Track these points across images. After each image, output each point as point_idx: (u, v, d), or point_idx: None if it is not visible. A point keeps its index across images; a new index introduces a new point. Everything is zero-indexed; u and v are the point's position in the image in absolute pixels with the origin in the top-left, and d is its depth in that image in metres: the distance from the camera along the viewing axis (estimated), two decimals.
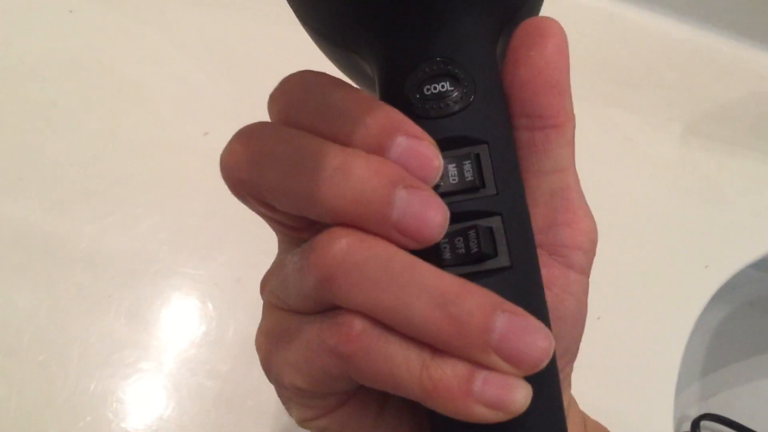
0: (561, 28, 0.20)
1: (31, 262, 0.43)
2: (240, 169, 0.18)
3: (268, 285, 0.21)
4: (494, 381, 0.17)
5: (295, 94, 0.19)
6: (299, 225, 0.20)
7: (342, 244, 0.17)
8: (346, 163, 0.17)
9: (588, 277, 0.22)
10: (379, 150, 0.18)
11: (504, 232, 0.19)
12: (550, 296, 0.21)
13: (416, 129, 0.18)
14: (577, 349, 0.23)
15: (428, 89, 0.19)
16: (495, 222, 0.19)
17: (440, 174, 0.18)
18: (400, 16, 0.19)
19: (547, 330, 0.17)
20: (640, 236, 0.50)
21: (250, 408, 0.41)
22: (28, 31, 0.53)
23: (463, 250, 0.18)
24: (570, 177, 0.21)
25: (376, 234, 0.17)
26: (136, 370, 0.41)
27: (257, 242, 0.47)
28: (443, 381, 0.17)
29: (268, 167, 0.18)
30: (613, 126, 0.55)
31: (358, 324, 0.17)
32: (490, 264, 0.18)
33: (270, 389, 0.41)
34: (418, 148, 0.18)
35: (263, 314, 0.21)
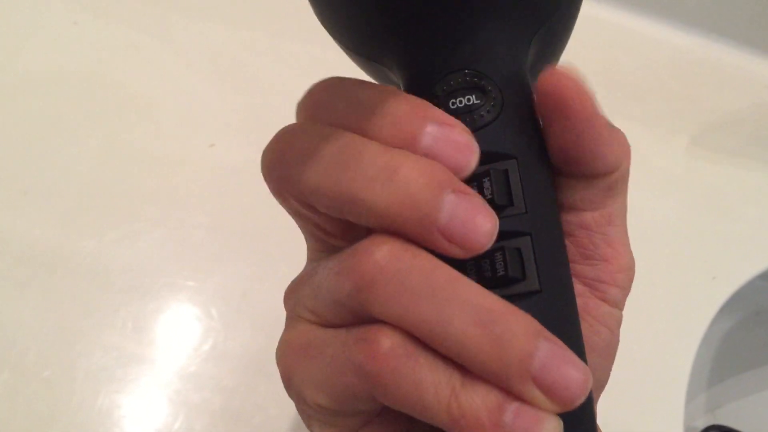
0: (578, 80, 0.18)
1: (36, 276, 0.43)
2: (283, 167, 0.18)
3: (294, 295, 0.20)
4: (526, 414, 0.16)
5: (322, 97, 0.19)
6: (337, 230, 0.19)
7: (384, 250, 0.16)
8: (392, 164, 0.16)
9: (621, 310, 0.21)
10: (411, 140, 0.17)
11: (533, 254, 0.18)
12: (583, 326, 0.20)
13: (446, 116, 0.18)
14: (607, 379, 0.22)
15: (454, 103, 0.19)
16: (524, 243, 0.18)
17: (477, 160, 0.17)
18: (424, 28, 0.19)
19: (585, 366, 0.16)
20: (647, 248, 0.50)
21: (257, 424, 0.40)
22: (32, 43, 0.53)
23: (489, 273, 0.18)
24: (615, 212, 0.20)
25: (419, 239, 0.17)
26: (143, 385, 0.40)
27: (263, 255, 0.47)
28: (472, 410, 0.16)
29: (312, 165, 0.17)
30: None
31: (386, 342, 0.16)
32: (518, 288, 0.18)
33: (277, 405, 0.41)
34: (451, 134, 0.17)
35: (286, 326, 0.20)
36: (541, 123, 0.19)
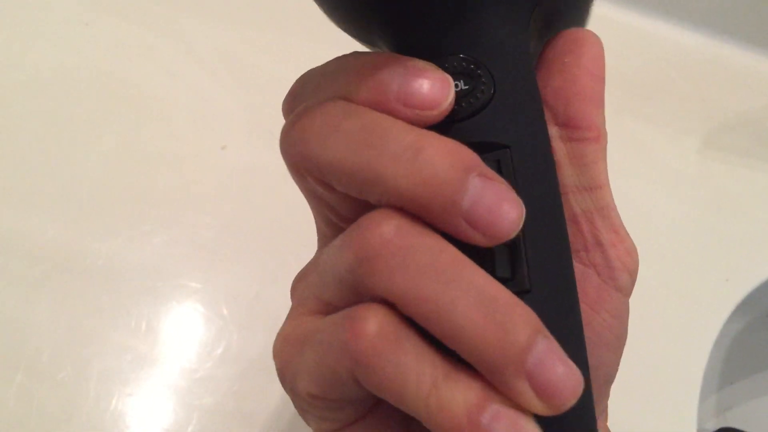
0: (598, 40, 0.20)
1: (49, 278, 0.43)
2: (303, 143, 0.18)
3: (300, 283, 0.20)
4: (505, 417, 0.15)
5: (297, 83, 0.20)
6: (352, 213, 0.19)
7: (391, 224, 0.16)
8: (418, 142, 0.16)
9: (629, 298, 0.21)
10: (381, 91, 0.17)
11: (524, 251, 0.17)
12: (598, 321, 0.20)
13: (411, 60, 0.17)
14: (616, 373, 0.22)
15: None
16: (514, 239, 0.17)
17: (452, 93, 0.17)
18: (407, 9, 0.18)
19: (579, 371, 0.16)
20: (659, 250, 0.50)
21: (270, 427, 0.40)
22: (43, 44, 0.53)
23: None
24: (609, 195, 0.20)
25: (440, 223, 0.16)
26: (156, 387, 0.40)
27: (276, 257, 0.46)
28: (450, 406, 0.16)
29: (334, 141, 0.17)
30: (630, 138, 0.55)
31: (374, 321, 0.16)
32: (507, 288, 0.17)
33: (291, 408, 0.41)
34: (418, 74, 0.17)
35: (286, 319, 0.20)
36: (547, 71, 0.20)
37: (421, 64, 0.17)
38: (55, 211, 0.45)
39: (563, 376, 0.15)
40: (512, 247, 0.17)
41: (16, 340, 0.40)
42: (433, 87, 0.17)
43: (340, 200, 0.19)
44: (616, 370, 0.22)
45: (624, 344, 0.21)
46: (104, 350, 0.41)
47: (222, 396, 0.41)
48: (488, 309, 0.15)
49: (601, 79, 0.20)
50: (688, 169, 0.54)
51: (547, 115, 0.19)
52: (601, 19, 0.66)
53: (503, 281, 0.17)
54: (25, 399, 0.39)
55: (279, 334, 0.20)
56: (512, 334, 0.15)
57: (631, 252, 0.21)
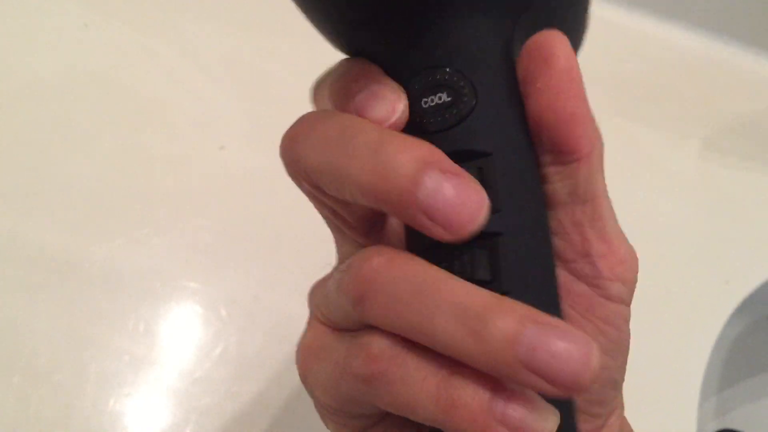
0: (566, 47, 0.18)
1: (47, 281, 0.43)
2: (293, 149, 0.19)
3: (315, 294, 0.21)
4: (518, 399, 0.16)
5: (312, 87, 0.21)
6: (354, 220, 0.20)
7: (373, 263, 0.17)
8: (379, 139, 0.17)
9: (629, 306, 0.21)
10: (346, 98, 0.19)
11: (503, 255, 0.17)
12: (590, 328, 0.20)
13: (371, 78, 0.19)
14: (624, 376, 0.22)
15: (426, 102, 0.18)
16: (493, 243, 0.17)
17: (402, 109, 0.18)
18: (385, 24, 0.18)
19: (585, 337, 0.15)
20: (660, 252, 0.50)
21: (268, 429, 0.40)
22: (42, 46, 0.53)
23: (459, 275, 0.17)
24: (602, 205, 0.20)
25: (403, 217, 0.17)
26: (154, 389, 0.40)
27: (275, 259, 0.46)
28: (462, 399, 0.16)
29: (315, 145, 0.18)
30: (631, 141, 0.55)
31: (376, 346, 0.17)
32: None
33: (288, 410, 0.41)
34: (375, 91, 0.18)
35: (307, 326, 0.21)
36: (522, 93, 0.19)
37: (370, 84, 0.19)
38: (53, 214, 0.45)
39: (564, 350, 0.15)
40: (492, 250, 0.18)
41: (14, 343, 0.40)
42: (383, 105, 0.18)
43: (338, 205, 0.19)
44: (621, 374, 0.22)
45: (626, 348, 0.21)
46: (102, 352, 0.41)
47: (220, 397, 0.40)
48: (463, 319, 0.16)
49: (577, 95, 0.18)
50: (688, 172, 0.54)
51: (535, 143, 0.19)
52: (600, 21, 0.66)
53: (483, 284, 0.17)
54: (23, 401, 0.39)
55: (300, 342, 0.21)
56: (493, 336, 0.16)
57: (625, 261, 0.20)
